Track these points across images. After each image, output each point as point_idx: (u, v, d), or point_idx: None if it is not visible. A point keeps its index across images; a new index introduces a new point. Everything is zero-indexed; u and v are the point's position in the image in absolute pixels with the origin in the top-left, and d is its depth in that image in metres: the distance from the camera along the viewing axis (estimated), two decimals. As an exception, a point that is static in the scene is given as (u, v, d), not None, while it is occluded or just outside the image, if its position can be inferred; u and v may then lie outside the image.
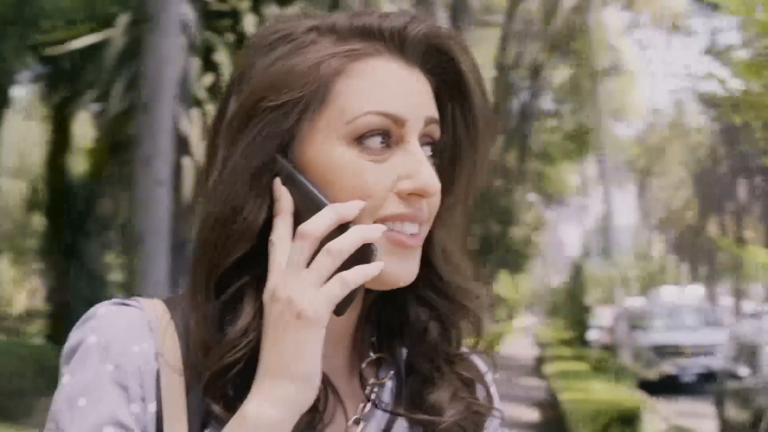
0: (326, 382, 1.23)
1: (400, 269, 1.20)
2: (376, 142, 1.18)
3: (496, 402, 1.39)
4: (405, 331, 1.32)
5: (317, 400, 1.18)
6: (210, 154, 1.24)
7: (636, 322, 27.74)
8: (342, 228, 1.15)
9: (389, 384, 1.33)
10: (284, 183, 1.18)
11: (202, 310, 1.19)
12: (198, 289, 1.20)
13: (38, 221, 38.94)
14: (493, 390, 1.39)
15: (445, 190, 1.26)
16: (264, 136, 1.18)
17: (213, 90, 10.69)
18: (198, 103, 10.61)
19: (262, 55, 1.21)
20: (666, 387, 23.23)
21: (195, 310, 1.19)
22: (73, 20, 14.54)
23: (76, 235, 19.28)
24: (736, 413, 14.20)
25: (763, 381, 13.33)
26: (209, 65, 10.76)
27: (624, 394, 14.28)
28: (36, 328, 25.45)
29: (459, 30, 21.91)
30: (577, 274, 29.54)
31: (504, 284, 57.02)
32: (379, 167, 1.18)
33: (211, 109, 10.58)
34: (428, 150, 1.24)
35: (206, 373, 1.16)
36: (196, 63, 10.43)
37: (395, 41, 1.20)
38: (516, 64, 32.53)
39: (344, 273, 1.12)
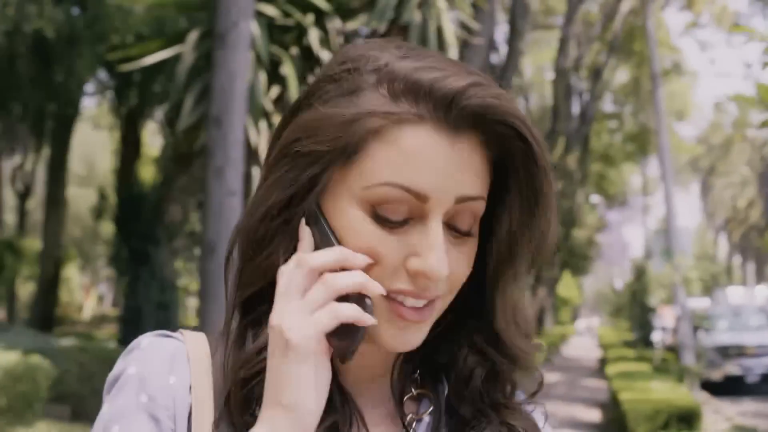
0: (359, 416, 1.21)
1: (395, 339, 1.16)
2: (393, 213, 1.13)
3: None
4: (450, 372, 1.29)
5: (336, 420, 1.17)
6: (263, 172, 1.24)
7: (700, 322, 27.67)
8: None
9: (426, 419, 1.28)
10: (308, 224, 1.17)
11: (231, 333, 1.21)
12: (230, 314, 1.22)
13: (107, 228, 39.57)
14: None
15: (508, 262, 1.23)
16: (290, 178, 1.16)
17: (279, 102, 10.98)
18: (266, 115, 10.92)
19: (321, 86, 1.18)
20: (730, 387, 23.18)
21: (226, 332, 1.21)
22: (142, 35, 15.01)
23: (146, 242, 19.62)
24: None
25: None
26: (276, 78, 11.00)
27: (683, 394, 14.31)
28: (105, 333, 25.94)
29: (518, 35, 22.05)
30: (640, 275, 29.42)
31: (567, 286, 56.78)
32: (392, 239, 1.14)
33: (278, 120, 10.89)
34: (458, 225, 1.18)
35: (228, 390, 1.17)
36: (263, 76, 10.74)
37: (442, 107, 1.12)
38: (576, 66, 32.49)
39: (336, 303, 1.10)
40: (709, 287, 42.81)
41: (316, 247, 1.15)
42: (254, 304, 1.20)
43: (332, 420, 1.16)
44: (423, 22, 10.83)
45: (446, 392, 1.29)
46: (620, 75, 39.55)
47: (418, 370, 1.30)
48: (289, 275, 1.12)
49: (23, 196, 33.11)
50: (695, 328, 27.05)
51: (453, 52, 11.34)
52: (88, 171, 41.77)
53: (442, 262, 1.12)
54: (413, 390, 1.28)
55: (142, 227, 19.74)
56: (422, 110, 1.12)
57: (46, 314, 21.94)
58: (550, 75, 34.78)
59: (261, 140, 10.70)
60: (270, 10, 10.51)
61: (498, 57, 24.70)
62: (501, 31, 27.26)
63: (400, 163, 1.11)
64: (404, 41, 1.21)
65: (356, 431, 1.20)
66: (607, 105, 40.54)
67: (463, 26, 12.50)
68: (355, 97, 1.13)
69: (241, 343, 1.19)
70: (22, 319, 26.11)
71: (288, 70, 10.90)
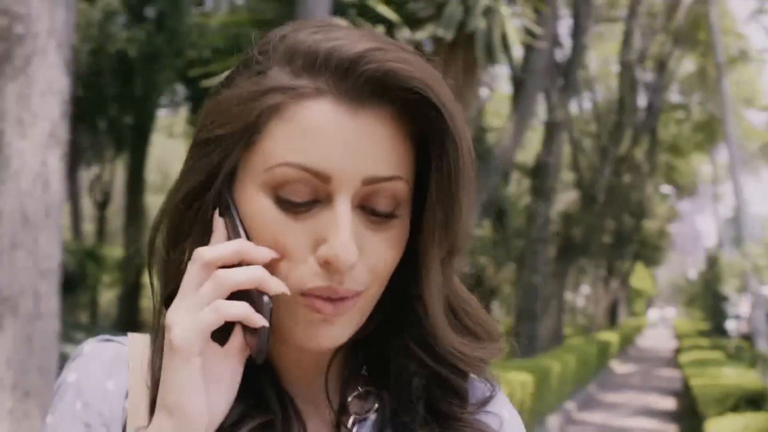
0: (290, 409, 1.13)
1: (308, 337, 1.07)
2: (295, 195, 1.04)
3: None
4: (389, 375, 1.18)
5: (272, 419, 1.10)
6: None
7: None
8: None
9: (372, 417, 1.18)
10: (222, 214, 1.09)
11: (157, 343, 1.13)
12: (154, 318, 1.16)
13: None
14: None
15: (426, 246, 1.11)
16: (198, 167, 1.09)
17: None
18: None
19: (234, 71, 1.12)
20: None
21: (152, 338, 1.16)
22: (218, 50, 15.65)
23: None
24: None
25: None
26: None
27: (753, 379, 14.66)
28: None
29: (582, 32, 22.33)
30: (712, 264, 29.51)
31: (641, 277, 56.68)
32: (297, 225, 1.05)
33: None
34: (374, 215, 1.07)
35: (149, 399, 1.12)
36: None
37: (339, 76, 1.03)
38: (641, 58, 32.58)
39: (221, 301, 1.01)
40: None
41: (228, 239, 1.07)
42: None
43: (266, 418, 1.09)
44: (488, 29, 11.23)
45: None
46: (686, 65, 39.49)
47: (364, 366, 1.19)
48: (188, 270, 1.05)
49: (102, 205, 33.88)
50: None
51: (517, 56, 11.75)
52: (162, 179, 42.66)
53: (349, 247, 1.02)
54: (359, 388, 1.18)
55: None
56: (320, 83, 1.03)
57: (130, 320, 22.63)
58: (615, 67, 34.83)
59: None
60: (342, 23, 11.01)
61: (563, 53, 24.96)
62: (565, 26, 27.50)
63: (299, 140, 1.03)
64: (386, 36, 1.11)
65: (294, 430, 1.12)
66: (674, 95, 40.48)
67: (527, 31, 12.91)
68: (261, 77, 1.06)
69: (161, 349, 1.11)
70: (104, 326, 26.80)
71: None
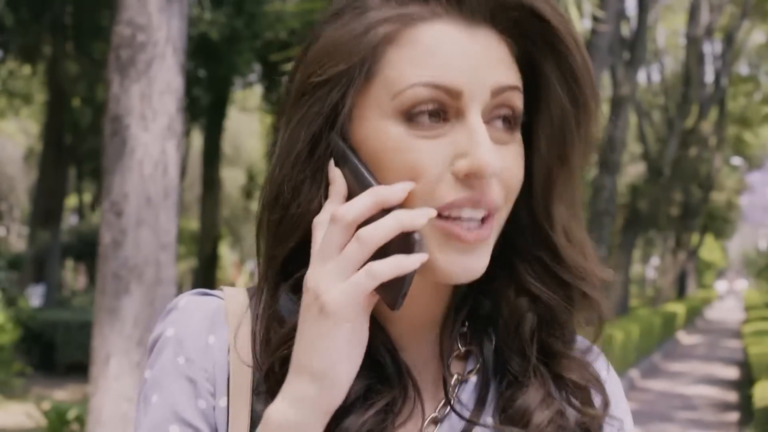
0: (410, 383, 1.11)
1: (453, 266, 1.05)
2: (427, 116, 1.04)
3: (618, 408, 1.20)
4: (497, 321, 1.16)
5: (394, 396, 1.08)
6: (275, 138, 1.14)
7: None
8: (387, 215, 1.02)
9: (473, 380, 1.16)
10: (338, 164, 1.07)
11: (264, 302, 1.12)
12: (261, 279, 1.13)
13: (256, 207, 41.06)
14: (611, 392, 1.19)
15: (559, 163, 1.11)
16: (313, 113, 1.06)
17: None
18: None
19: (326, 25, 1.10)
20: None
21: (259, 302, 1.12)
22: (293, 31, 16.29)
23: None
24: None
25: None
26: None
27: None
28: None
29: (646, 9, 22.52)
30: None
31: (710, 249, 56.30)
32: (432, 144, 1.03)
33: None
34: (500, 124, 1.07)
35: (263, 367, 1.09)
36: None
37: (455, 2, 1.05)
38: (708, 31, 32.39)
39: (373, 263, 0.99)
40: None
41: (350, 189, 1.05)
42: (292, 266, 1.10)
43: (391, 396, 1.08)
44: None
45: (494, 346, 1.17)
46: (756, 36, 39.15)
47: (466, 323, 1.18)
48: (325, 232, 1.02)
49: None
50: None
51: (580, 40, 12.20)
52: (235, 152, 43.37)
53: (492, 154, 1.01)
54: (460, 347, 1.17)
55: None
56: (434, 7, 1.05)
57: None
58: (684, 40, 34.61)
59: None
60: None
61: (629, 27, 25.10)
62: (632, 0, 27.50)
63: (424, 60, 1.03)
64: None
65: (410, 406, 1.10)
66: (743, 68, 40.15)
67: (590, 15, 13.32)
68: (362, 17, 1.06)
69: (278, 313, 1.11)
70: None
71: None
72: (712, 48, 34.90)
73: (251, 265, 53.43)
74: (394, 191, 1.01)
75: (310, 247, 1.06)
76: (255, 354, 1.11)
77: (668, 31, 41.08)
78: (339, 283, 0.99)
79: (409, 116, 1.03)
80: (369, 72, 1.05)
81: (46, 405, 10.00)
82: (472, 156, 1.01)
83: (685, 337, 32.12)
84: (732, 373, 20.25)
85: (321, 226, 1.05)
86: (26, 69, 22.88)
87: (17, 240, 40.71)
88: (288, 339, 1.06)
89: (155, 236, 5.48)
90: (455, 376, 1.15)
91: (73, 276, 30.61)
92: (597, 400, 1.16)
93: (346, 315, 0.99)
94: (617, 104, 21.91)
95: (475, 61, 1.04)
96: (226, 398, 1.10)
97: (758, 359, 14.02)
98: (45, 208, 21.98)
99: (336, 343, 0.99)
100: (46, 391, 14.66)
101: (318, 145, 1.08)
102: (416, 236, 1.00)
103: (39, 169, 23.32)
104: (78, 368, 16.16)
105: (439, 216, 1.03)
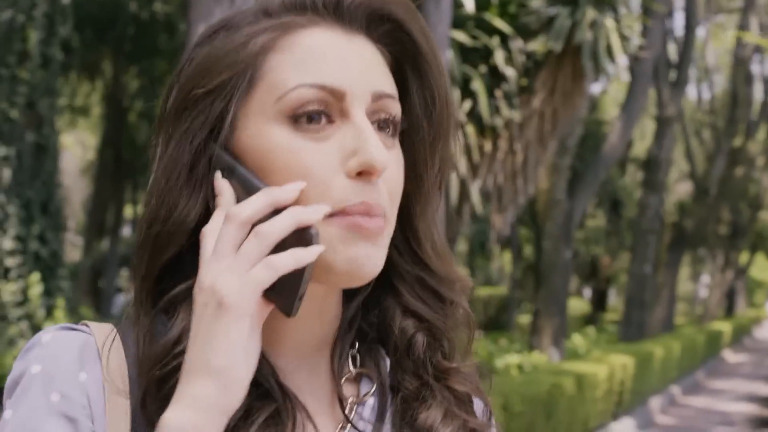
0: (294, 400, 1.07)
1: (360, 256, 1.03)
2: (312, 118, 1.04)
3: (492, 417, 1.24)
4: (389, 344, 1.16)
5: (279, 410, 1.05)
6: (152, 154, 1.11)
7: None
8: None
9: (371, 401, 1.16)
10: (225, 176, 1.05)
11: (139, 324, 1.07)
12: (138, 302, 1.08)
13: None
14: (490, 403, 1.24)
15: (419, 177, 1.13)
16: (196, 126, 1.06)
17: (471, 114, 12.51)
18: (459, 125, 12.45)
19: (200, 47, 1.10)
20: None
21: (135, 325, 1.07)
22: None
23: None
24: None
25: None
26: (467, 93, 12.50)
27: None
28: None
29: (692, 26, 22.72)
30: None
31: (761, 268, 55.96)
32: (319, 146, 1.03)
33: (470, 130, 12.48)
34: (385, 130, 1.08)
35: (141, 390, 1.03)
36: (456, 92, 12.26)
37: (330, 10, 1.08)
38: (758, 49, 32.31)
39: (272, 256, 0.98)
40: None
41: (239, 198, 1.04)
42: (163, 287, 1.08)
43: (273, 408, 1.05)
44: (594, 40, 12.08)
45: (388, 368, 1.17)
46: None
47: (356, 346, 1.17)
48: (217, 233, 1.01)
49: None
50: None
51: (622, 66, 12.63)
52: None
53: (381, 149, 1.02)
54: (351, 369, 1.16)
55: None
56: (310, 16, 1.07)
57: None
58: (728, 60, 34.54)
59: (455, 147, 12.26)
60: (461, 36, 12.00)
61: (677, 45, 25.31)
62: (680, 20, 27.45)
63: (306, 63, 1.04)
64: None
65: (300, 422, 1.08)
66: None
67: (632, 47, 13.76)
68: (239, 30, 1.09)
69: (152, 334, 1.06)
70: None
71: (478, 86, 12.35)
72: (761, 67, 34.88)
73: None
74: (287, 190, 1.02)
75: (184, 262, 1.06)
76: (130, 381, 1.06)
77: (719, 48, 41.06)
78: (237, 278, 0.98)
79: (294, 118, 1.04)
80: (251, 79, 1.06)
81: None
82: (363, 152, 1.02)
83: (731, 356, 32.10)
84: None
85: (211, 233, 1.03)
86: (86, 84, 23.62)
87: (71, 250, 41.42)
88: (162, 358, 1.03)
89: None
90: (350, 398, 1.14)
91: (129, 286, 31.07)
92: (478, 409, 1.21)
93: (246, 309, 0.98)
94: (662, 125, 22.20)
95: (355, 65, 1.06)
96: None
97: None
98: (100, 219, 22.67)
99: (235, 338, 0.97)
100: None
101: (200, 158, 1.07)
102: (312, 231, 0.99)
103: (95, 181, 24.04)
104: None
105: (334, 215, 1.03)
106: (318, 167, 1.03)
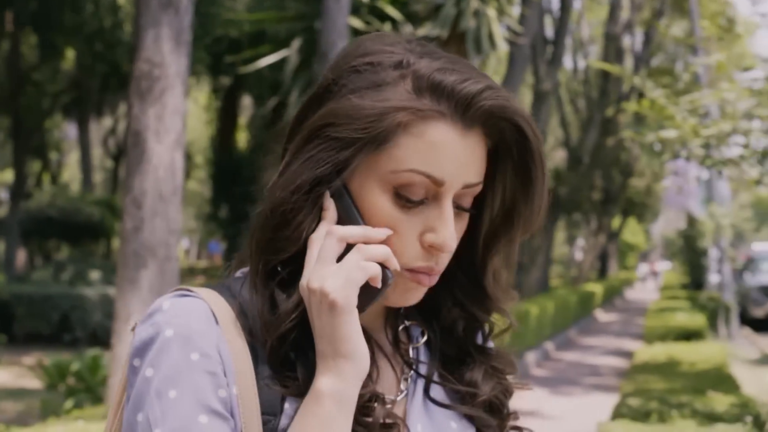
0: (376, 347, 1.34)
1: (401, 298, 1.29)
2: (413, 194, 1.23)
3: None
4: (433, 321, 1.42)
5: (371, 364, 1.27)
6: (281, 154, 1.30)
7: (746, 265, 29.29)
8: None
9: (422, 349, 1.42)
10: (332, 196, 1.25)
11: (260, 294, 1.26)
12: (256, 278, 1.26)
13: (192, 187, 41.24)
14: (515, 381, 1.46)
15: (504, 230, 1.35)
16: (322, 157, 1.22)
17: None
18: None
19: (346, 76, 1.26)
20: None
21: (255, 295, 1.26)
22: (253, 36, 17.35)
23: (245, 202, 21.44)
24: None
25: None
26: None
27: (698, 321, 16.84)
28: (197, 283, 27.26)
29: (567, 6, 23.69)
30: (693, 221, 30.47)
31: (633, 232, 57.27)
32: (409, 218, 1.24)
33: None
34: (457, 208, 1.29)
35: (267, 345, 1.23)
36: None
37: (462, 107, 1.22)
38: (628, 25, 32.94)
39: (365, 262, 1.19)
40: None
41: (340, 220, 1.25)
42: (278, 267, 1.28)
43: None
44: (477, 28, 13.07)
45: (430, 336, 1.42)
46: (675, 29, 39.57)
47: (405, 320, 1.42)
48: (322, 243, 1.22)
49: (116, 157, 34.69)
50: (742, 271, 28.74)
51: (502, 51, 13.61)
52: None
53: (453, 237, 1.24)
54: (405, 322, 1.42)
55: (240, 189, 21.53)
56: (443, 107, 1.22)
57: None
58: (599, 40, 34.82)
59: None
60: (355, 22, 12.89)
61: (554, 22, 26.08)
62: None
63: (425, 153, 1.21)
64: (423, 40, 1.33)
65: (375, 361, 1.32)
66: (662, 60, 40.66)
67: (510, 30, 14.82)
68: (382, 90, 1.23)
69: (272, 304, 1.25)
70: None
71: None
72: (632, 41, 35.60)
73: (185, 243, 54.09)
74: (379, 233, 1.23)
75: (296, 257, 1.26)
76: (254, 339, 1.24)
77: (593, 21, 41.37)
78: (342, 282, 1.18)
79: (398, 190, 1.23)
80: (379, 145, 1.22)
81: (46, 361, 10.77)
82: (439, 235, 1.24)
83: (602, 315, 32.64)
84: (638, 345, 21.54)
85: (317, 241, 1.24)
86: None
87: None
88: (282, 323, 1.23)
89: (166, 224, 7.11)
90: (412, 344, 1.41)
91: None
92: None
93: (351, 303, 1.19)
94: (539, 98, 22.88)
95: (462, 161, 1.23)
96: (236, 387, 1.21)
97: (649, 331, 15.86)
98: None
99: (352, 328, 1.19)
100: (13, 357, 15.73)
101: (320, 183, 1.24)
102: (389, 273, 1.23)
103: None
104: (36, 338, 17.48)
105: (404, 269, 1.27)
106: (402, 232, 1.25)
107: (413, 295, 1.30)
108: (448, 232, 1.24)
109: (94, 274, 19.03)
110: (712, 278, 27.07)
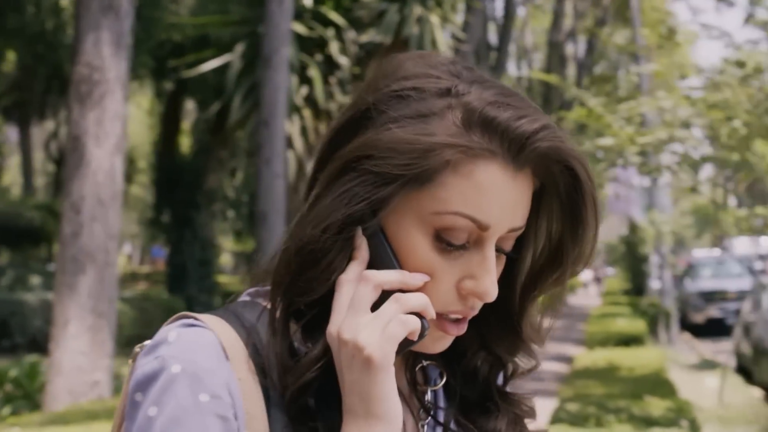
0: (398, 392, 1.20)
1: (431, 345, 1.19)
2: (455, 239, 1.14)
3: None
4: (454, 363, 1.32)
5: None
6: (309, 183, 1.20)
7: (686, 271, 29.60)
8: None
9: (440, 392, 1.33)
10: (365, 234, 1.14)
11: (281, 336, 1.16)
12: (277, 317, 1.16)
13: (135, 192, 41.09)
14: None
15: (551, 271, 1.24)
16: (358, 192, 1.12)
17: (307, 99, 13.47)
18: (297, 109, 13.39)
19: (386, 101, 1.15)
20: (712, 329, 24.93)
21: (274, 337, 1.16)
22: (196, 40, 17.43)
23: (188, 207, 21.72)
24: (744, 347, 16.21)
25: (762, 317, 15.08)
26: (304, 80, 13.47)
27: (637, 327, 17.09)
28: (139, 289, 27.37)
29: (511, 16, 23.97)
30: (634, 227, 30.75)
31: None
32: (448, 264, 1.15)
33: (306, 114, 13.46)
34: (498, 252, 1.19)
35: (288, 392, 1.13)
36: (294, 79, 13.13)
37: (516, 147, 1.12)
38: (571, 33, 33.46)
39: (405, 315, 1.11)
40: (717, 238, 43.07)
41: (372, 261, 1.15)
42: (301, 308, 1.17)
43: None
44: (420, 35, 13.21)
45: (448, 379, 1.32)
46: (617, 37, 40.17)
47: (423, 359, 1.31)
48: (354, 289, 1.12)
49: (58, 161, 33.72)
50: (682, 276, 29.06)
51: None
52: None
53: (495, 286, 1.15)
54: (423, 362, 1.31)
55: (183, 194, 21.66)
56: (495, 146, 1.12)
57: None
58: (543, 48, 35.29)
59: (293, 129, 13.25)
60: (299, 27, 12.98)
61: (497, 29, 26.36)
62: (500, 7, 28.23)
63: (472, 195, 1.11)
64: (465, 61, 1.23)
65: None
66: (604, 67, 41.17)
67: (454, 37, 14.96)
68: (428, 121, 1.12)
69: (291, 348, 1.16)
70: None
71: (314, 73, 13.36)
72: (575, 49, 35.87)
73: (127, 248, 53.70)
74: (417, 279, 1.14)
75: (323, 298, 1.15)
76: (270, 382, 1.14)
77: (537, 28, 41.81)
78: (379, 336, 1.09)
79: (439, 233, 1.13)
80: (423, 183, 1.11)
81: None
82: (480, 284, 1.15)
83: (545, 321, 33.16)
84: (580, 351, 21.83)
85: (347, 284, 1.13)
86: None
87: None
88: (305, 371, 1.13)
89: (105, 229, 7.06)
90: (429, 388, 1.31)
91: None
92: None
93: (389, 362, 1.10)
94: None
95: (510, 205, 1.14)
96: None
97: (590, 336, 16.04)
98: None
99: (388, 387, 1.10)
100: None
101: (353, 221, 1.13)
102: (425, 323, 1.15)
103: None
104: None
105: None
106: (439, 278, 1.15)
107: (441, 343, 1.21)
108: (490, 280, 1.15)
109: (35, 280, 18.86)
110: (653, 284, 27.21)
